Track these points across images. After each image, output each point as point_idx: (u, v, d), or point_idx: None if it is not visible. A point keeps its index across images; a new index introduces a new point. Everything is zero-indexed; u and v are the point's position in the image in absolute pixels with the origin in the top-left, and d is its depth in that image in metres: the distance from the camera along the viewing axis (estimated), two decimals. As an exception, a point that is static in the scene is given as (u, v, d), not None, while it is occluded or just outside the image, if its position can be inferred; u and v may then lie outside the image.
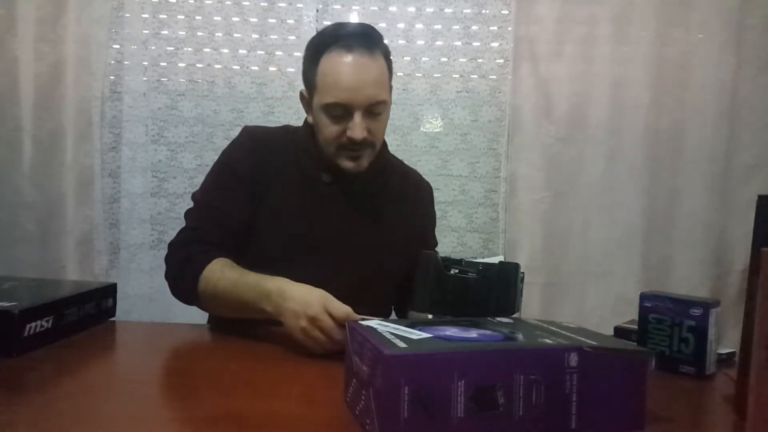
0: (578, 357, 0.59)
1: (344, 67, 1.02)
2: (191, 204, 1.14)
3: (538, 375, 0.58)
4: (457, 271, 0.89)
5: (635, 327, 0.93)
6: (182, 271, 1.04)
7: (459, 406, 0.55)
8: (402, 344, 0.59)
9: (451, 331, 0.67)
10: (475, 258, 0.96)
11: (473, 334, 0.66)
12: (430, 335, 0.64)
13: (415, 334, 0.64)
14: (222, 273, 1.00)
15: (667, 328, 0.87)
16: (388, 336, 0.62)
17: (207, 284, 1.00)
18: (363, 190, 1.15)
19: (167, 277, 1.08)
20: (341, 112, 1.03)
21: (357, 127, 1.03)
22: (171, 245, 1.09)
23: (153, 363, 0.90)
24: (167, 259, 1.09)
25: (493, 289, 0.85)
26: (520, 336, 0.66)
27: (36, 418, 0.63)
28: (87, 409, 0.67)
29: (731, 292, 1.76)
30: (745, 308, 0.70)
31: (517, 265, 0.87)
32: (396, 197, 1.20)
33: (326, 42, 1.05)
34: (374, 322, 0.70)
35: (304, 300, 0.88)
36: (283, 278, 0.94)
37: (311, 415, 0.68)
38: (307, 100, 1.12)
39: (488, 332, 0.67)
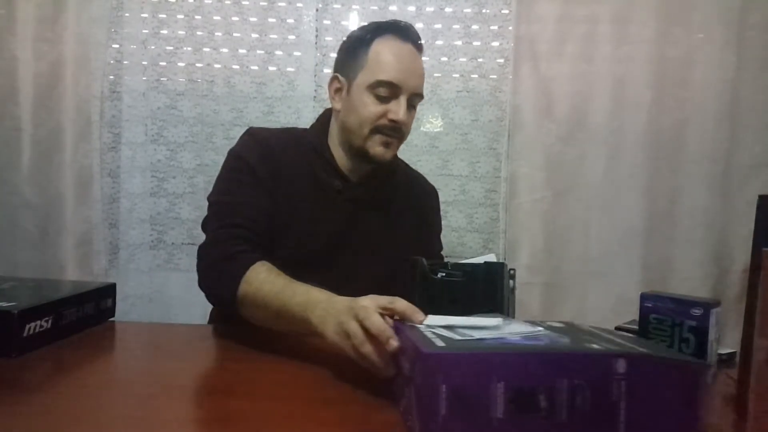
0: (626, 364, 0.58)
1: (401, 51, 1.07)
2: (202, 213, 1.08)
3: (583, 380, 0.57)
4: (444, 274, 0.87)
5: (636, 327, 0.93)
6: (222, 271, 0.96)
7: (498, 407, 0.55)
8: (441, 343, 0.60)
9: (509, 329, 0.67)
10: (466, 258, 0.94)
11: (516, 337, 0.65)
12: (479, 338, 0.64)
13: (458, 335, 0.64)
14: (267, 277, 0.91)
15: (668, 328, 0.87)
16: (430, 335, 0.63)
17: (249, 287, 0.92)
18: (372, 197, 1.15)
19: (202, 282, 1.00)
20: (388, 92, 1.06)
21: (402, 109, 1.05)
22: (202, 248, 1.02)
23: (153, 363, 0.90)
24: (200, 265, 1.01)
25: (479, 290, 0.84)
26: (566, 340, 0.65)
27: (36, 418, 0.63)
28: (87, 409, 0.67)
29: (732, 292, 1.76)
30: (745, 308, 0.70)
31: (502, 265, 0.86)
32: (404, 204, 1.20)
33: (381, 30, 1.09)
34: (428, 320, 0.71)
35: (342, 305, 0.77)
36: (319, 291, 0.84)
37: (312, 415, 0.67)
38: (339, 86, 1.11)
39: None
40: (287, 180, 1.09)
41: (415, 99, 1.09)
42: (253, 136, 1.12)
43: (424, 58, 1.13)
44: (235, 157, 1.09)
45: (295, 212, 1.09)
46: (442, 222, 1.36)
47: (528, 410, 0.56)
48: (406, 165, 1.30)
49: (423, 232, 1.23)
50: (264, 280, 0.91)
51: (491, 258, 0.96)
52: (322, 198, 1.11)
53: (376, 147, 1.07)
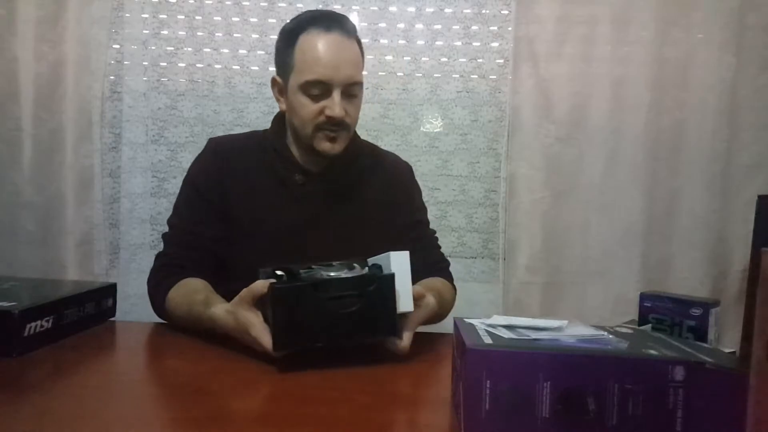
0: (685, 371, 0.57)
1: (324, 45, 1.03)
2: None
3: (635, 385, 0.56)
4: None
5: (635, 327, 0.93)
6: (153, 297, 1.09)
7: (544, 407, 0.56)
8: (489, 340, 0.60)
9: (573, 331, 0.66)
10: (332, 263, 0.90)
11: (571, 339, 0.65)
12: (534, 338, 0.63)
13: (516, 334, 0.64)
14: (176, 303, 1.02)
15: (667, 327, 0.88)
16: (482, 333, 0.64)
17: (169, 312, 1.05)
18: (338, 186, 1.15)
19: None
20: (320, 90, 1.04)
21: (337, 105, 1.04)
22: (150, 272, 1.12)
23: (153, 363, 0.90)
24: (147, 284, 1.13)
25: (273, 305, 0.81)
26: (625, 345, 0.64)
27: (36, 418, 0.64)
28: (87, 409, 0.67)
29: (731, 292, 1.76)
30: (745, 308, 0.71)
31: (292, 273, 0.83)
32: (373, 187, 1.19)
33: (303, 24, 1.07)
34: (491, 319, 0.72)
35: (239, 334, 0.87)
36: (210, 314, 0.93)
37: (311, 415, 0.68)
38: (280, 86, 1.12)
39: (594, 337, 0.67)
40: (247, 185, 1.12)
41: (352, 89, 1.07)
42: (210, 149, 1.17)
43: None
44: (187, 177, 1.17)
45: (262, 212, 1.11)
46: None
47: (576, 412, 0.56)
48: (374, 147, 1.28)
49: (397, 203, 1.21)
50: (174, 307, 1.03)
51: (387, 258, 0.91)
52: (287, 194, 1.13)
53: (321, 143, 1.08)
